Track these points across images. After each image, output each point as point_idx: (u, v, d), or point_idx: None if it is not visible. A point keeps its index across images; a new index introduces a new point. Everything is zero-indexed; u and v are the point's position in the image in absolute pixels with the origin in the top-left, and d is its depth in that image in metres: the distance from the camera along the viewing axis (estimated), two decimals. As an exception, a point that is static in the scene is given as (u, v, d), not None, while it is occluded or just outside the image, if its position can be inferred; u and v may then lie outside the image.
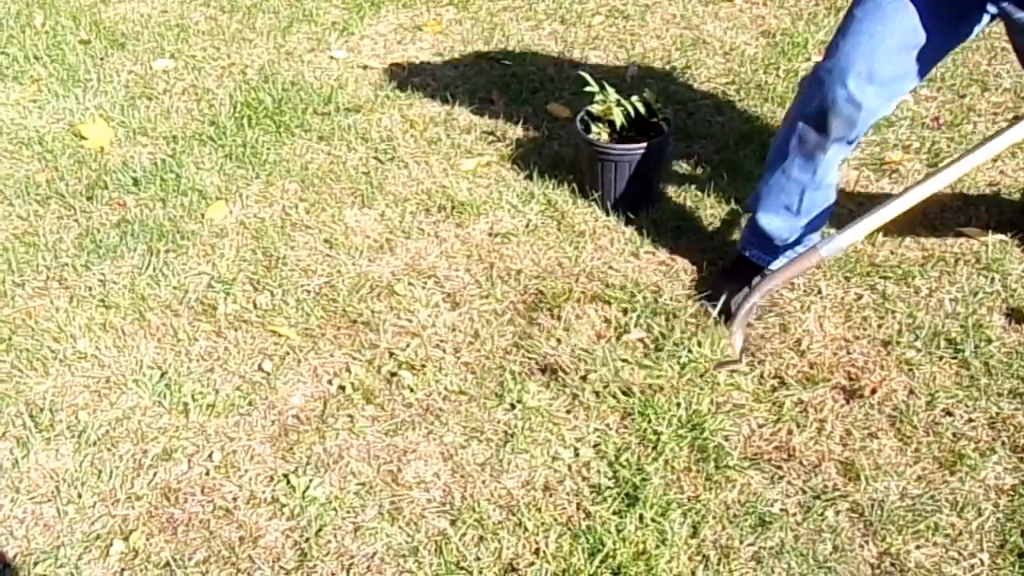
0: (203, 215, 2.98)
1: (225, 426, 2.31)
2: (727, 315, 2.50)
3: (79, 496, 2.15)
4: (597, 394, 2.34)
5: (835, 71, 2.21)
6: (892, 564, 1.95)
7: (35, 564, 2.02)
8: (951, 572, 1.94)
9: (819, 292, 2.60)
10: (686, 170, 3.11)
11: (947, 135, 3.22)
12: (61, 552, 2.04)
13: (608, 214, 2.91)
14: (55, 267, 2.80)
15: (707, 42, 3.79)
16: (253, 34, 3.97)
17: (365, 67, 3.72)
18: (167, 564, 2.01)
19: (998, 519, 2.04)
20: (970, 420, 2.25)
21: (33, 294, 2.72)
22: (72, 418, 2.34)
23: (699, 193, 2.99)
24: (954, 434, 2.22)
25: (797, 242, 2.55)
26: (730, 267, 2.66)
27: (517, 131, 3.32)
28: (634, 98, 2.91)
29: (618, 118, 2.87)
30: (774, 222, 2.51)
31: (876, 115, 2.30)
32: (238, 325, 2.58)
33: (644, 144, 2.80)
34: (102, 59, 3.80)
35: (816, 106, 2.28)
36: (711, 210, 2.92)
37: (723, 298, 2.54)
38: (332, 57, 3.80)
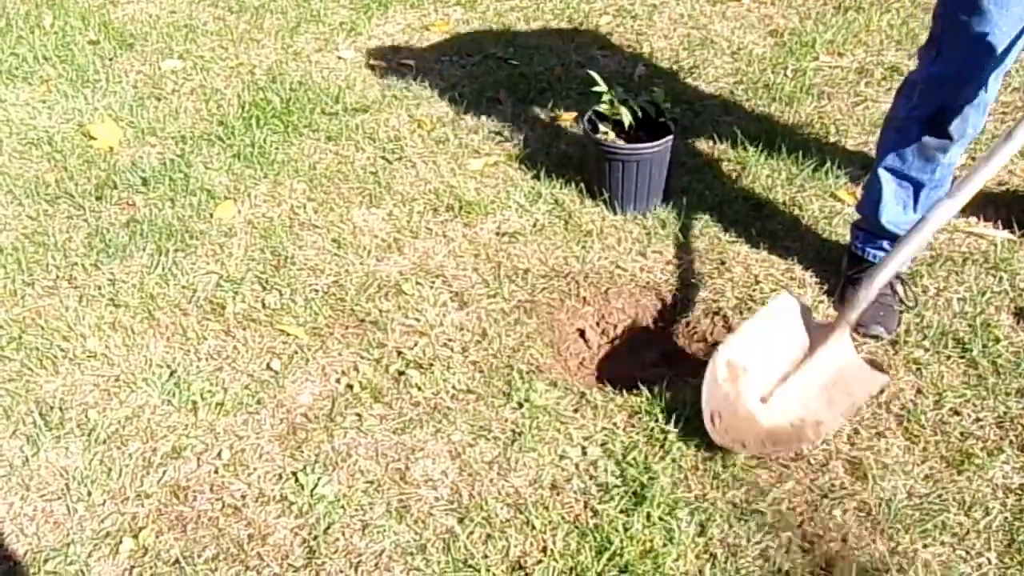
0: (212, 215, 2.99)
1: (234, 424, 2.32)
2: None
3: (89, 494, 2.16)
4: (604, 393, 2.34)
5: (960, 74, 2.20)
6: (900, 563, 1.95)
7: (45, 561, 2.03)
8: (959, 571, 1.93)
9: (827, 292, 2.60)
10: (694, 169, 3.11)
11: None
12: (71, 549, 2.05)
13: (615, 213, 2.92)
14: (65, 266, 2.81)
15: (715, 42, 3.79)
16: (261, 34, 3.98)
17: (373, 67, 3.73)
18: (176, 561, 2.02)
19: (1006, 518, 2.04)
20: (978, 419, 2.25)
21: (43, 293, 2.73)
22: (82, 416, 2.35)
23: (707, 192, 2.99)
24: (962, 433, 2.22)
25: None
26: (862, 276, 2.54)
27: (524, 131, 3.32)
28: (642, 98, 2.91)
29: (626, 118, 2.87)
30: (898, 219, 2.50)
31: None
32: (247, 324, 2.59)
33: (652, 143, 2.80)
34: (111, 59, 3.82)
35: (935, 110, 2.28)
36: (719, 209, 2.92)
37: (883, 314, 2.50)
38: (340, 57, 3.80)
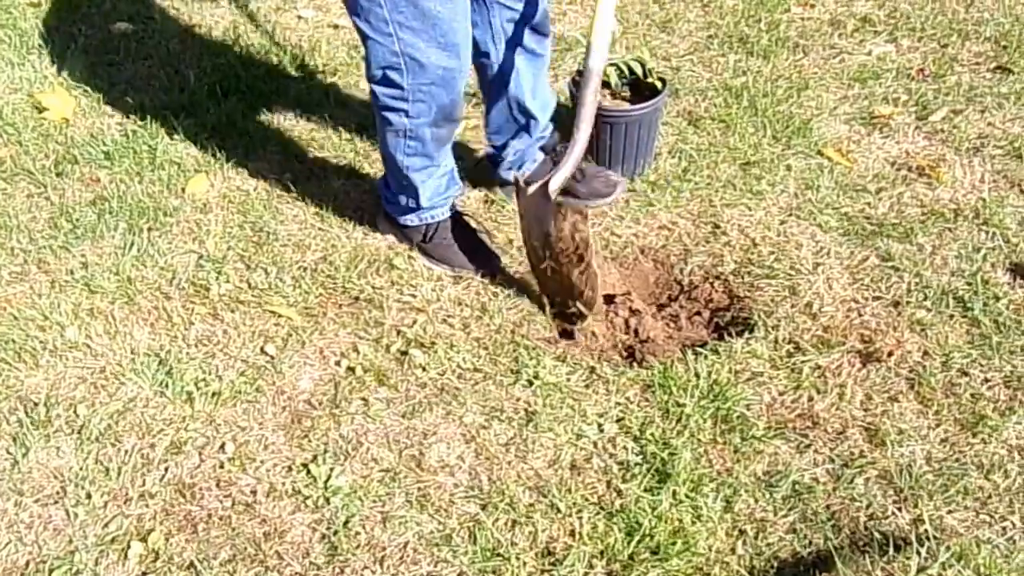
0: (183, 189, 2.85)
1: (234, 415, 2.22)
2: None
3: (88, 496, 2.06)
4: (614, 366, 2.30)
5: (457, 68, 2.25)
6: (926, 531, 1.95)
7: (51, 571, 1.93)
8: (985, 536, 1.94)
9: (826, 253, 2.58)
10: (677, 128, 3.05)
11: (932, 86, 3.21)
12: (76, 557, 1.95)
13: (605, 177, 2.85)
14: (32, 250, 2.66)
15: (684, -7, 3.73)
16: (213, -7, 3.80)
17: (336, 26, 3.58)
18: (191, 565, 1.93)
19: (1024, 480, 2.05)
20: (986, 380, 2.25)
21: (12, 280, 2.58)
22: (70, 413, 2.23)
23: (693, 154, 2.94)
24: (972, 395, 2.22)
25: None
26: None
27: (501, 92, 3.22)
28: (628, 57, 2.84)
29: (613, 78, 2.80)
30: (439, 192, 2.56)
31: None
32: (234, 306, 2.48)
33: (643, 105, 2.74)
34: (56, 24, 3.60)
35: (450, 102, 2.31)
36: (708, 170, 2.87)
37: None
38: (300, 16, 3.65)
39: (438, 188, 2.53)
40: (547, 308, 2.45)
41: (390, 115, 2.34)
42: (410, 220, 2.59)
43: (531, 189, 2.24)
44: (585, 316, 2.39)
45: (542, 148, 2.72)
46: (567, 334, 2.42)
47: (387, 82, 2.26)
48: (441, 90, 2.27)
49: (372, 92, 2.32)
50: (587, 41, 2.26)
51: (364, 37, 2.20)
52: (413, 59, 2.20)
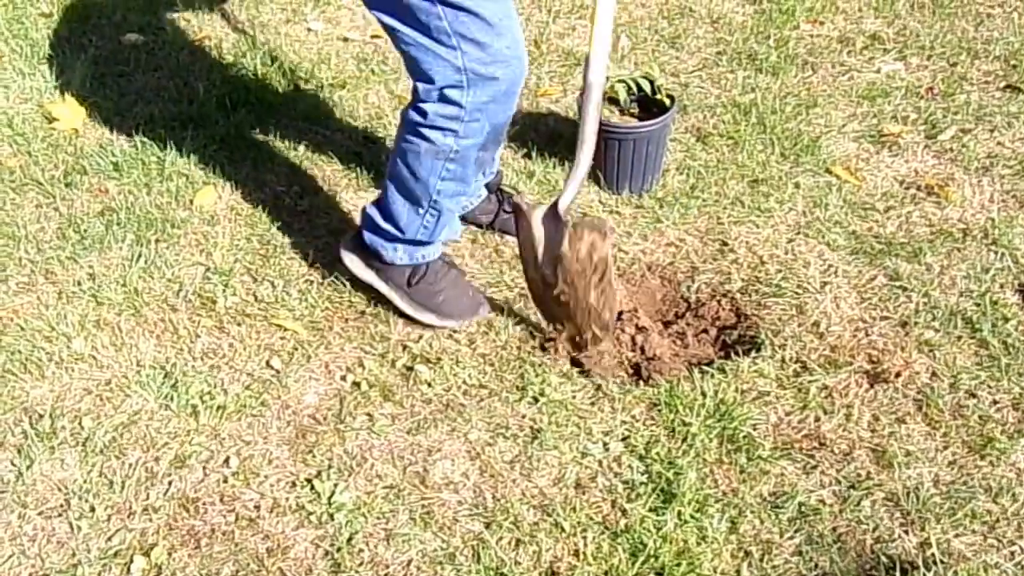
0: (191, 201, 2.86)
1: (238, 429, 2.22)
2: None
3: (92, 509, 2.05)
4: (620, 384, 2.29)
5: (520, 74, 2.16)
6: (933, 555, 1.94)
7: (53, 585, 1.93)
8: (993, 560, 1.93)
9: (834, 271, 2.57)
10: (685, 145, 3.05)
11: (941, 105, 3.21)
12: (79, 571, 1.94)
13: (611, 194, 2.85)
14: (40, 260, 2.66)
15: (693, 10, 3.73)
16: (225, 5, 3.80)
17: (345, 39, 3.59)
18: (193, 580, 1.93)
19: (1033, 504, 2.03)
20: (995, 402, 2.24)
21: (18, 290, 2.58)
22: (75, 424, 2.23)
23: (701, 171, 2.94)
24: (980, 417, 2.21)
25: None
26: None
27: (509, 106, 3.22)
28: (637, 73, 2.84)
29: (621, 95, 2.80)
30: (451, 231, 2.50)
31: None
32: (240, 319, 2.48)
33: (652, 122, 2.74)
34: (67, 34, 3.62)
35: (504, 121, 2.24)
36: (716, 187, 2.87)
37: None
38: (309, 29, 3.66)
39: (452, 225, 2.44)
40: (559, 339, 2.38)
41: (436, 135, 2.16)
42: (399, 258, 2.40)
43: (537, 212, 2.21)
44: (600, 339, 2.34)
45: (486, 185, 2.67)
46: (577, 363, 2.39)
47: (445, 100, 2.09)
48: (499, 107, 2.15)
49: (415, 112, 2.14)
50: (586, 53, 2.16)
51: (422, 55, 2.04)
52: (477, 74, 2.05)
